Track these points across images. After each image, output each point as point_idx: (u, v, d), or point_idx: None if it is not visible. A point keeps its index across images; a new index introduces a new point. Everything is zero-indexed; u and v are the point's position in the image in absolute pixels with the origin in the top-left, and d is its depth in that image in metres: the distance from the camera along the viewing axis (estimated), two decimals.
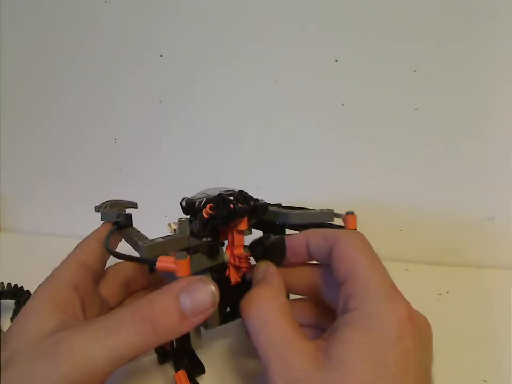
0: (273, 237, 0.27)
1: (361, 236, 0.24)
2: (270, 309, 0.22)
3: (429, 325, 0.22)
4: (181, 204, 0.32)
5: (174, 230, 0.29)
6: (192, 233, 0.27)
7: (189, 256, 0.21)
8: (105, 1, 0.48)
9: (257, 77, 0.47)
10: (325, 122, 0.47)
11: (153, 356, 0.32)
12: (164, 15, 0.47)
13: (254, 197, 0.29)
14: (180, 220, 0.29)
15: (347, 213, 0.29)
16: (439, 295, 0.41)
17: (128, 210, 0.32)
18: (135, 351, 0.20)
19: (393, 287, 0.21)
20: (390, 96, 0.45)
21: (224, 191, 0.30)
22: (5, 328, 0.37)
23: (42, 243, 0.58)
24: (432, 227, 0.48)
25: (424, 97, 0.44)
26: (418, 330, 0.20)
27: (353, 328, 0.20)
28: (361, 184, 0.49)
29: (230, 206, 0.26)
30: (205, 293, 0.21)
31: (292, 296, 0.30)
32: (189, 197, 0.32)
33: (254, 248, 0.27)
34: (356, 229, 0.28)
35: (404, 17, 0.42)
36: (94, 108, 0.54)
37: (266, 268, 0.25)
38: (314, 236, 0.25)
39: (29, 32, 0.53)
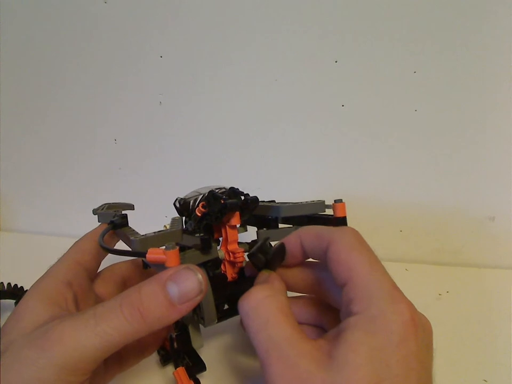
0: (273, 246, 0.27)
1: (356, 233, 0.23)
2: (269, 307, 0.22)
3: (429, 325, 0.22)
4: (174, 204, 0.32)
5: None
6: (187, 232, 0.27)
7: (178, 247, 0.21)
8: (106, 2, 0.48)
9: (257, 77, 0.48)
10: (325, 122, 0.48)
11: (155, 358, 0.32)
12: (164, 15, 0.48)
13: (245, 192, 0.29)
14: (173, 219, 0.29)
15: (335, 201, 0.29)
16: (439, 295, 0.42)
17: (130, 213, 0.32)
18: (124, 338, 0.20)
19: (394, 287, 0.21)
20: (389, 97, 0.45)
21: (216, 188, 0.30)
22: None
23: (42, 243, 0.58)
24: (432, 227, 0.48)
25: (423, 98, 0.44)
26: (421, 331, 0.20)
27: (358, 330, 0.20)
28: (361, 184, 0.49)
29: (221, 202, 0.26)
30: (192, 280, 0.21)
31: (290, 294, 0.30)
32: (181, 197, 0.32)
33: (256, 256, 0.26)
34: (345, 216, 0.28)
35: (403, 18, 0.42)
36: (94, 108, 0.54)
37: (269, 274, 0.25)
38: (307, 235, 0.25)
39: (29, 33, 0.53)
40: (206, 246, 0.26)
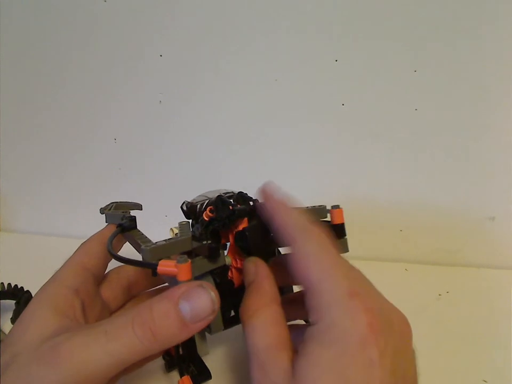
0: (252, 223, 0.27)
1: (321, 236, 0.23)
2: (260, 316, 0.22)
3: (404, 326, 0.21)
4: (181, 207, 0.32)
5: (176, 234, 0.29)
6: (194, 237, 0.27)
7: (190, 260, 0.21)
8: (105, 1, 0.48)
9: (257, 77, 0.47)
10: (325, 122, 0.47)
11: (160, 363, 0.31)
12: (164, 14, 0.47)
13: (254, 197, 0.29)
14: (180, 224, 0.29)
15: (333, 207, 0.28)
16: (439, 295, 0.41)
17: (133, 212, 0.31)
18: (135, 356, 0.20)
19: (351, 293, 0.20)
20: (390, 96, 0.45)
21: (224, 193, 0.29)
22: (5, 328, 0.37)
23: (42, 243, 0.58)
24: (432, 227, 0.48)
25: (424, 97, 0.44)
26: (385, 335, 0.19)
27: (314, 342, 0.19)
28: (361, 184, 0.49)
29: (230, 208, 0.26)
30: (205, 299, 0.21)
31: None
32: (189, 200, 0.32)
33: (238, 238, 0.27)
34: (343, 223, 0.27)
35: (404, 17, 0.42)
36: (94, 108, 0.54)
37: (255, 269, 0.25)
38: (278, 223, 0.24)
39: (29, 32, 0.52)
40: (214, 255, 0.25)
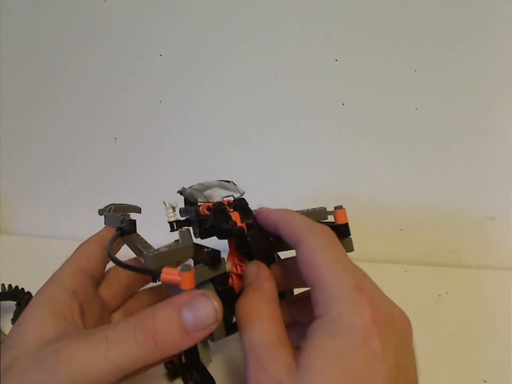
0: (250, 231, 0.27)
1: (324, 233, 0.23)
2: (258, 313, 0.22)
3: (405, 323, 0.21)
4: (181, 193, 0.32)
5: (173, 207, 0.29)
6: (196, 247, 0.26)
7: (194, 269, 0.21)
8: (105, 1, 0.48)
9: (257, 76, 0.47)
10: (325, 121, 0.47)
11: (163, 372, 0.31)
12: (164, 15, 0.47)
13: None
14: (181, 231, 0.29)
15: (336, 208, 0.28)
16: (439, 296, 0.42)
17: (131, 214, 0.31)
18: (136, 364, 0.20)
19: (356, 288, 0.20)
20: (390, 96, 0.45)
21: (223, 186, 0.29)
22: (5, 330, 0.37)
23: (42, 245, 0.58)
24: (432, 227, 0.48)
25: (424, 97, 0.44)
26: (387, 330, 0.19)
27: (319, 335, 0.20)
28: (361, 184, 0.49)
29: (229, 223, 0.26)
30: (207, 308, 0.21)
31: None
32: (186, 187, 0.32)
33: (240, 243, 0.27)
34: (347, 223, 0.27)
35: (404, 17, 0.42)
36: (94, 108, 0.54)
37: (257, 271, 0.25)
38: (284, 226, 0.25)
39: (29, 32, 0.52)
40: (215, 262, 0.25)
